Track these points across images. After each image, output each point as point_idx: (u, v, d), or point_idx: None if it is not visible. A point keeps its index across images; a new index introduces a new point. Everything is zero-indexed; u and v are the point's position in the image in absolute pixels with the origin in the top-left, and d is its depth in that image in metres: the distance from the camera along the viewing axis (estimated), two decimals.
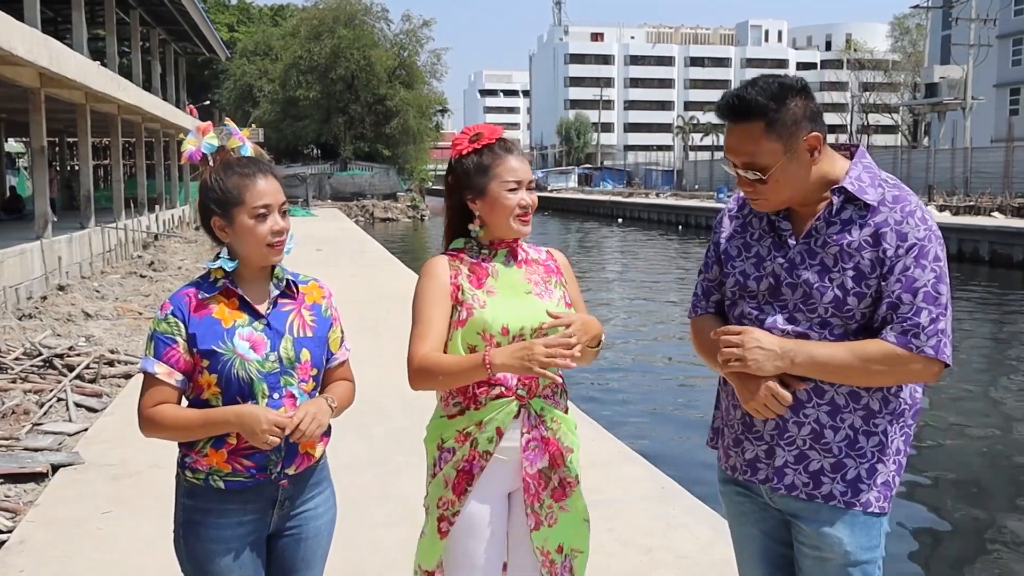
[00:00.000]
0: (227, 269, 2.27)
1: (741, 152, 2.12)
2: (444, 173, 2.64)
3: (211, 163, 2.30)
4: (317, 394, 2.37)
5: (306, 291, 2.41)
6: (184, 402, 2.31)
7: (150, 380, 2.24)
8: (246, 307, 2.29)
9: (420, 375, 2.37)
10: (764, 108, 2.07)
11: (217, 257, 2.30)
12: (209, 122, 2.37)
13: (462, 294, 2.44)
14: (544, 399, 2.46)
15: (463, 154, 2.51)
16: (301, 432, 2.19)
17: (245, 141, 2.34)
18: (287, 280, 2.37)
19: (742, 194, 2.38)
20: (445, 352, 2.42)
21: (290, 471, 2.32)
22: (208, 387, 2.24)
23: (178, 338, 2.23)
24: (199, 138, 2.30)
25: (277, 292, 2.34)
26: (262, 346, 2.26)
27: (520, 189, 2.47)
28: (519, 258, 2.54)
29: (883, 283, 2.07)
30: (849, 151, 2.24)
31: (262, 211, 2.25)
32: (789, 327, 2.15)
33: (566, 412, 2.54)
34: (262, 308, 2.31)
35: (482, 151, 2.49)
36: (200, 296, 2.26)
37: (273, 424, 2.15)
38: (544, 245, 2.69)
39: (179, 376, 2.24)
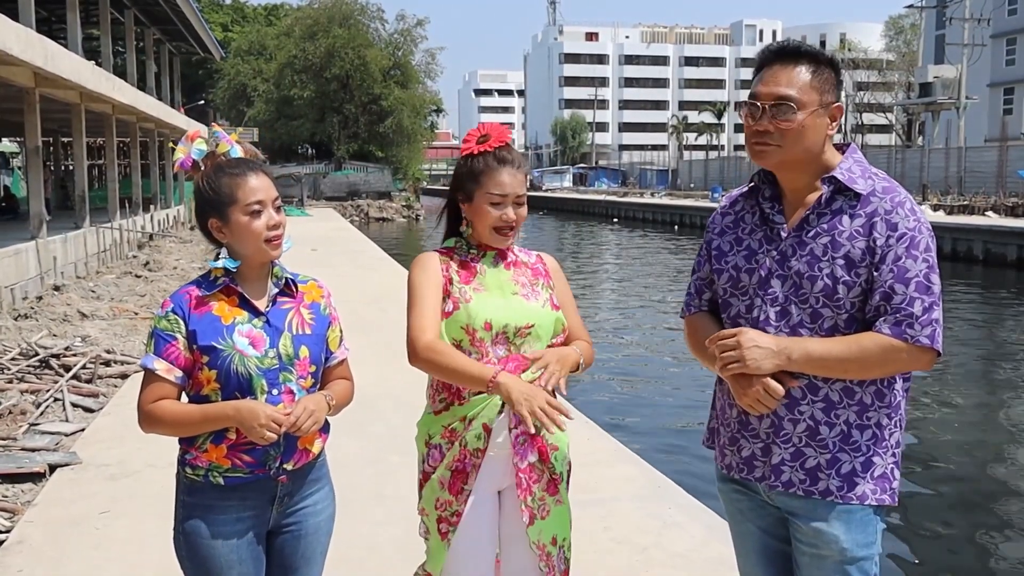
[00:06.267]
0: (230, 268, 2.30)
1: (782, 86, 2.14)
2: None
3: (202, 168, 2.33)
4: (316, 391, 2.40)
5: (305, 290, 2.44)
6: (184, 398, 2.33)
7: (150, 376, 2.27)
8: (246, 304, 2.32)
9: (425, 361, 2.39)
10: (815, 55, 2.18)
11: (217, 257, 2.33)
12: (197, 129, 2.40)
13: (452, 286, 2.50)
14: None
15: (464, 155, 2.54)
16: (297, 427, 2.22)
17: (233, 144, 2.37)
18: (286, 279, 2.40)
19: (735, 191, 2.42)
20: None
21: (288, 467, 2.34)
22: (208, 383, 2.27)
23: (178, 335, 2.26)
24: (188, 145, 2.34)
25: (276, 290, 2.38)
26: (261, 343, 2.29)
27: (504, 204, 2.48)
28: (507, 260, 2.59)
29: (875, 273, 2.10)
30: (842, 150, 2.28)
31: (256, 207, 2.28)
32: (781, 322, 2.18)
33: None
34: (261, 305, 2.34)
35: (479, 157, 2.52)
36: (200, 294, 2.29)
37: (270, 419, 2.18)
38: (539, 244, 2.73)
39: (179, 373, 2.27)
